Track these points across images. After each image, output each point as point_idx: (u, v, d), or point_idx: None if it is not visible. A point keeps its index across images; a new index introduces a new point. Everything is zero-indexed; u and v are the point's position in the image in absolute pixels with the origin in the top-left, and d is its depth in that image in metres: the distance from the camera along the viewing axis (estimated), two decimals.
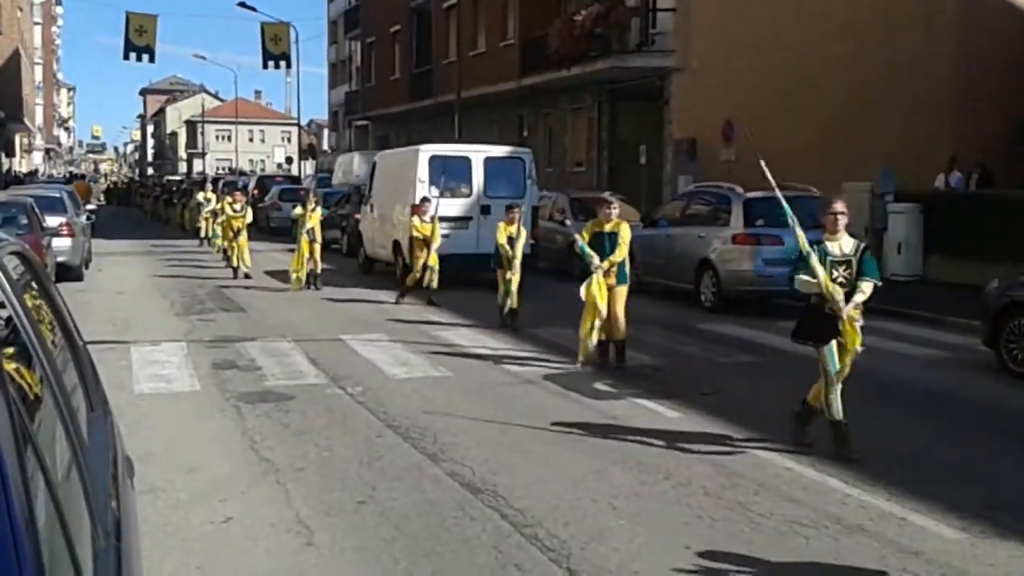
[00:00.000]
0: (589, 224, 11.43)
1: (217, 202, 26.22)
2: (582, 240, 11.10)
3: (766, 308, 15.29)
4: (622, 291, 11.04)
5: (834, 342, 7.36)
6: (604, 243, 10.94)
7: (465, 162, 18.76)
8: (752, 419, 8.50)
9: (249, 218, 21.32)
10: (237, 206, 21.08)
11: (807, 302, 7.68)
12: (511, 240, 13.92)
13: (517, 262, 13.87)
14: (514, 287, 13.77)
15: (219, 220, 23.28)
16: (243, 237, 20.47)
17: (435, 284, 16.09)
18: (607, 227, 11.04)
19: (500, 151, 20.45)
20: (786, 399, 9.54)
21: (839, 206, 7.67)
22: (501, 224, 14.19)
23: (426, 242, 16.29)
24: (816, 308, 7.48)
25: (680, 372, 10.80)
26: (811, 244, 7.48)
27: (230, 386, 9.79)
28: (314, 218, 18.21)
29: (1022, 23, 25.24)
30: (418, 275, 16.25)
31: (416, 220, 16.56)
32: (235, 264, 20.49)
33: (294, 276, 18.12)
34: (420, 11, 42.01)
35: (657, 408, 8.96)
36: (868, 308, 15.81)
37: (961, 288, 16.14)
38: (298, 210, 18.72)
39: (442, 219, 16.69)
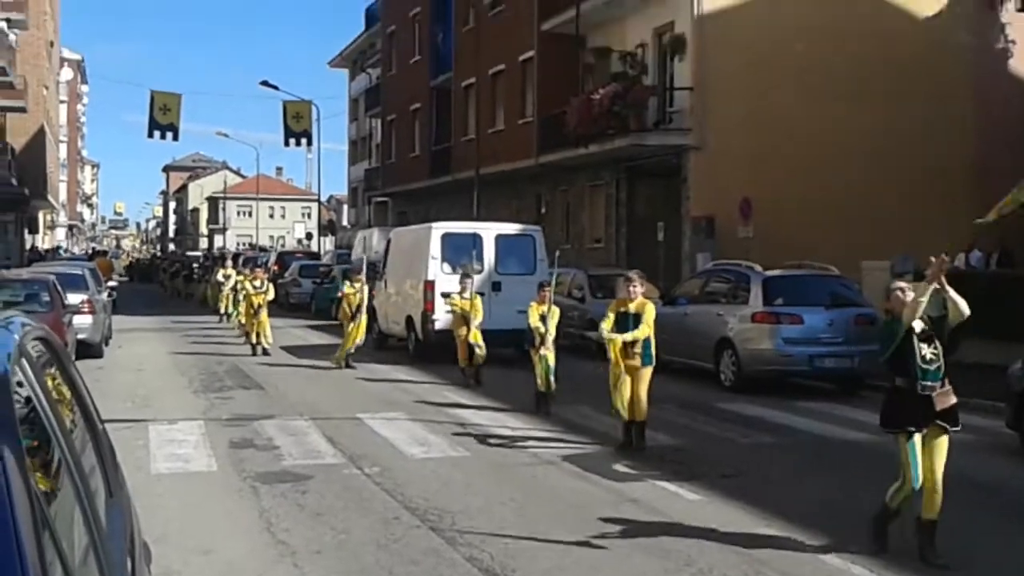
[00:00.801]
0: (613, 303, 11.29)
1: (237, 277, 26.41)
2: (605, 325, 10.87)
3: (786, 388, 15.20)
4: (646, 372, 10.90)
5: (918, 435, 6.90)
6: (628, 324, 10.75)
7: (477, 239, 18.98)
8: (775, 503, 8.38)
9: (271, 295, 21.43)
10: (257, 282, 21.22)
11: (892, 384, 7.15)
12: (543, 318, 13.50)
13: (551, 338, 13.54)
14: (551, 362, 13.30)
15: (240, 296, 23.29)
16: (264, 314, 20.59)
17: (480, 361, 15.88)
18: (631, 307, 10.85)
19: (511, 228, 20.83)
20: (808, 482, 9.43)
21: (904, 290, 7.02)
22: (533, 304, 13.71)
23: (465, 318, 16.17)
24: (905, 391, 6.96)
25: (701, 453, 10.69)
26: (888, 321, 7.04)
27: (247, 465, 9.74)
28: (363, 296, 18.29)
29: None
30: (466, 353, 16.07)
31: (455, 297, 16.48)
32: (255, 341, 20.55)
33: (340, 353, 18.07)
34: (439, 89, 42.54)
35: (678, 491, 8.85)
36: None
37: (983, 368, 15.98)
38: (348, 288, 18.58)
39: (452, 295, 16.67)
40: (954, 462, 10.13)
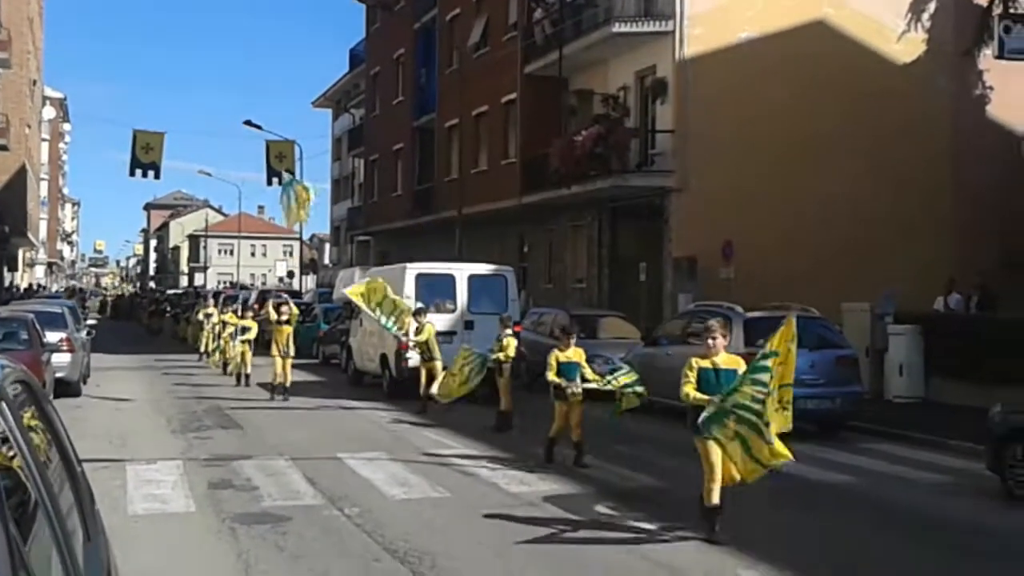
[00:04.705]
0: (691, 362, 8.97)
1: (218, 317, 26.38)
2: (687, 387, 8.70)
3: None
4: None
5: None
6: (718, 385, 8.60)
7: (450, 279, 19.42)
8: (756, 546, 8.36)
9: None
10: (284, 316, 20.31)
11: None
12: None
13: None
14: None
15: (242, 337, 22.60)
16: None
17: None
18: (721, 363, 8.84)
19: (484, 269, 21.10)
20: (788, 524, 9.40)
21: None
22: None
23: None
24: None
25: (683, 494, 10.62)
26: None
27: (226, 507, 9.65)
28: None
29: (1011, 147, 25.70)
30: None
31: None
32: (276, 381, 19.48)
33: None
34: (423, 130, 42.71)
35: (661, 533, 8.80)
36: (868, 430, 15.60)
37: (964, 410, 16.04)
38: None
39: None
40: (935, 504, 10.16)
